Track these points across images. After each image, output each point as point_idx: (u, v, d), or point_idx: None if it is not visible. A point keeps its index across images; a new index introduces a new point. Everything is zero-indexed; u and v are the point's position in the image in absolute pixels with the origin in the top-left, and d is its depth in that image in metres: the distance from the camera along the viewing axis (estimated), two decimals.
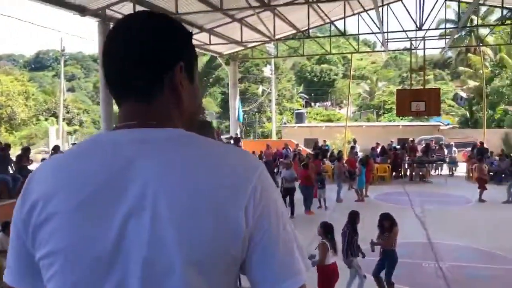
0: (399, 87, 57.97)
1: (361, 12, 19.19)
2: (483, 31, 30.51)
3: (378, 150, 20.20)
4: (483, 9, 30.32)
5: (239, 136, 23.30)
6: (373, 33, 19.26)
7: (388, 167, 18.65)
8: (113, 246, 0.83)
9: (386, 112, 45.75)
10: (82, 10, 13.57)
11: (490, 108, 30.53)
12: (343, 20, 19.34)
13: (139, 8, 13.78)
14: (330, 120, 40.64)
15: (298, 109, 40.77)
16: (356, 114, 50.11)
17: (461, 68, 37.11)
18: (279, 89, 43.47)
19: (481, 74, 33.80)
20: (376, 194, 15.97)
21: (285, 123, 37.56)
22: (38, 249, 0.88)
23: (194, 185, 0.84)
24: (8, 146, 12.65)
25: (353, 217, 6.78)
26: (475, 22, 28.70)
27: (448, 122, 37.06)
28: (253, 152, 20.85)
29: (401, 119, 40.53)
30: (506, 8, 17.38)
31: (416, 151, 20.10)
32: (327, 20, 19.79)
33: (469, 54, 35.41)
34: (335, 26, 20.69)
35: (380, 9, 14.68)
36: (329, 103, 56.04)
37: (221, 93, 46.01)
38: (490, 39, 30.41)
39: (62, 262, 0.85)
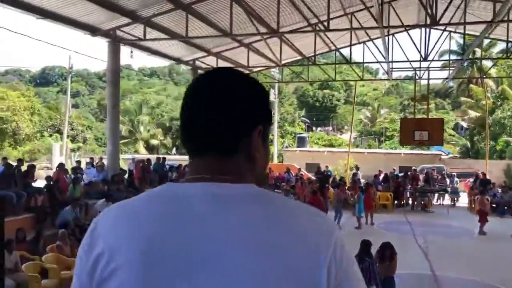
0: (401, 115, 58.18)
1: (367, 40, 19.52)
2: (486, 62, 30.86)
3: (381, 177, 20.22)
4: (485, 41, 30.74)
5: None
6: (378, 62, 19.50)
7: (390, 195, 18.63)
8: None
9: (387, 139, 45.86)
10: (93, 30, 13.77)
11: (492, 139, 30.59)
12: (348, 47, 19.67)
13: (149, 30, 14.00)
14: (331, 145, 40.74)
15: (300, 133, 40.89)
16: (357, 140, 50.24)
17: (462, 98, 37.39)
18: (281, 112, 43.73)
19: (483, 105, 34.09)
20: (378, 222, 15.92)
21: (286, 147, 37.63)
22: None
23: (273, 244, 0.84)
24: (20, 161, 12.69)
25: (367, 247, 6.77)
26: (477, 54, 29.06)
27: (449, 152, 37.15)
28: None
29: (403, 147, 40.63)
30: (511, 41, 17.64)
31: (418, 180, 20.10)
32: (333, 47, 20.07)
33: (471, 85, 35.73)
34: (340, 53, 20.98)
35: (385, 38, 14.91)
36: (330, 128, 56.25)
37: None
38: (492, 71, 30.74)
39: None
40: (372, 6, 13.40)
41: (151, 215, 0.88)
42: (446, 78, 23.79)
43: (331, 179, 20.48)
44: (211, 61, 18.61)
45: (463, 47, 34.49)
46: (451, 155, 35.50)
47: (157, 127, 46.64)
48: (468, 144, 37.03)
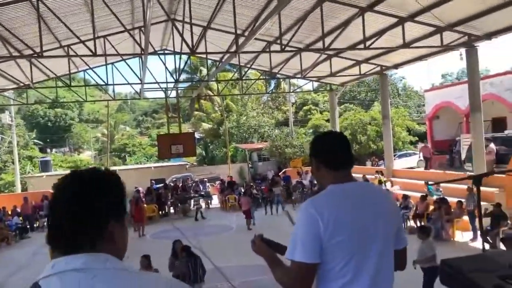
0: (137, 130, 59.85)
1: (116, 62, 20.23)
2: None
3: (142, 191, 21.20)
4: (209, 61, 35.27)
5: None
6: (129, 83, 20.36)
7: (155, 206, 19.81)
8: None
9: (129, 155, 46.74)
10: None
11: (224, 147, 35.34)
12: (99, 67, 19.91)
13: None
14: (77, 167, 38.98)
15: (43, 157, 37.67)
16: (97, 158, 49.40)
17: (196, 112, 41.72)
18: (9, 135, 39.20)
19: (213, 117, 39.03)
20: (150, 233, 16.93)
21: (29, 173, 34.18)
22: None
23: (388, 205, 2.06)
24: None
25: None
26: (204, 72, 33.38)
27: (187, 162, 40.81)
28: (4, 208, 18.82)
29: (147, 160, 42.44)
30: (244, 66, 21.29)
31: (178, 189, 21.93)
32: (82, 68, 19.99)
33: (201, 101, 40.33)
34: (95, 74, 20.93)
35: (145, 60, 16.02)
36: (67, 149, 53.44)
37: None
38: (216, 87, 35.44)
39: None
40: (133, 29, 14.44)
41: (349, 194, 1.96)
42: (190, 96, 26.26)
43: None
44: None
45: (192, 68, 38.66)
46: (188, 164, 39.10)
47: None
48: (203, 152, 41.58)
